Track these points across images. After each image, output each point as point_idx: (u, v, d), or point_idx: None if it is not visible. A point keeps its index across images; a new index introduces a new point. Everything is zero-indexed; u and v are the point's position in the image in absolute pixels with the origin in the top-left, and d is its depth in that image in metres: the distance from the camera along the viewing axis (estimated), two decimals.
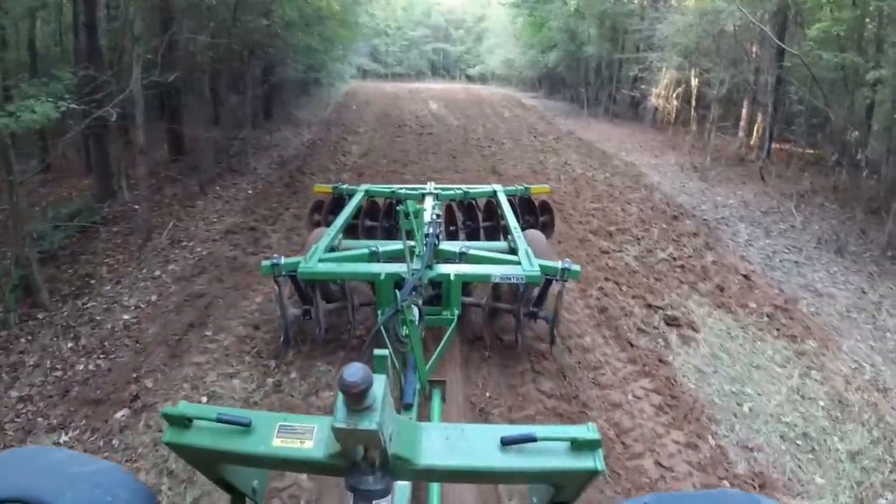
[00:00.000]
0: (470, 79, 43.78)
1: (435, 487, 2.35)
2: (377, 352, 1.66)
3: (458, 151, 12.53)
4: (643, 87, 14.95)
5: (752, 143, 12.51)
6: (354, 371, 1.09)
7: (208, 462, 1.38)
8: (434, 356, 3.11)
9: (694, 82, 14.01)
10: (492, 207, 5.61)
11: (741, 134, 13.58)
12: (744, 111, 13.46)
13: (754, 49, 12.50)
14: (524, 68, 29.49)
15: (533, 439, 1.25)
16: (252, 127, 15.19)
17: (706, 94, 14.02)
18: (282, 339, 4.06)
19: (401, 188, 5.84)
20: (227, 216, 7.78)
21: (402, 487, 1.93)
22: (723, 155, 12.49)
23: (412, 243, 3.29)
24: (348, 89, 29.65)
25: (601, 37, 17.81)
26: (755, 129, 12.46)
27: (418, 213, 3.26)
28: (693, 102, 14.27)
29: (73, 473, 1.08)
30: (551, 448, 1.26)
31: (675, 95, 14.33)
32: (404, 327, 2.43)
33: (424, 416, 2.83)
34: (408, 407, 2.57)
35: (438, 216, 4.33)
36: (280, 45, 14.04)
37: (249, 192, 8.97)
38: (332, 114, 19.21)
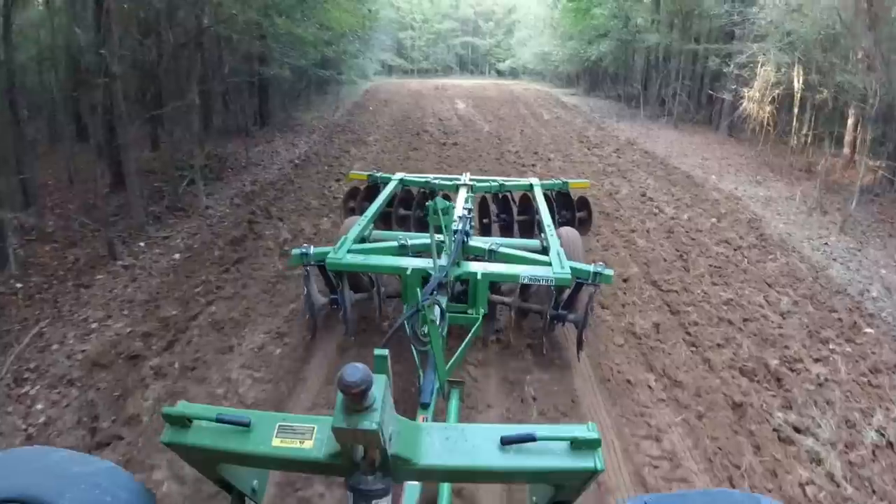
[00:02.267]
0: (500, 74, 39.99)
1: (445, 488, 2.14)
2: (377, 351, 1.43)
3: (491, 172, 9.00)
4: (733, 86, 11.12)
5: (855, 159, 8.91)
6: (354, 371, 1.06)
7: (208, 462, 1.35)
8: (455, 356, 2.93)
9: (797, 83, 10.22)
10: (527, 201, 5.23)
11: (846, 150, 9.89)
12: (850, 122, 9.79)
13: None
14: (561, 62, 25.70)
15: (533, 439, 1.22)
16: (247, 135, 12.08)
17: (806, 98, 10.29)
18: (308, 326, 3.83)
19: (435, 178, 5.55)
20: (116, 317, 4.46)
21: (412, 488, 1.86)
22: (838, 181, 8.79)
23: (440, 238, 3.17)
24: (369, 87, 26.33)
25: (665, 23, 13.98)
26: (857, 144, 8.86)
27: (448, 210, 2.99)
28: (795, 109, 10.49)
29: (73, 473, 1.08)
30: (551, 448, 1.23)
31: (769, 99, 10.53)
32: (425, 326, 2.37)
33: (441, 416, 2.69)
34: (425, 406, 2.44)
35: (469, 211, 4.06)
36: (266, 36, 10.75)
37: (177, 256, 5.63)
38: (342, 117, 15.83)
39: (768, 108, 10.69)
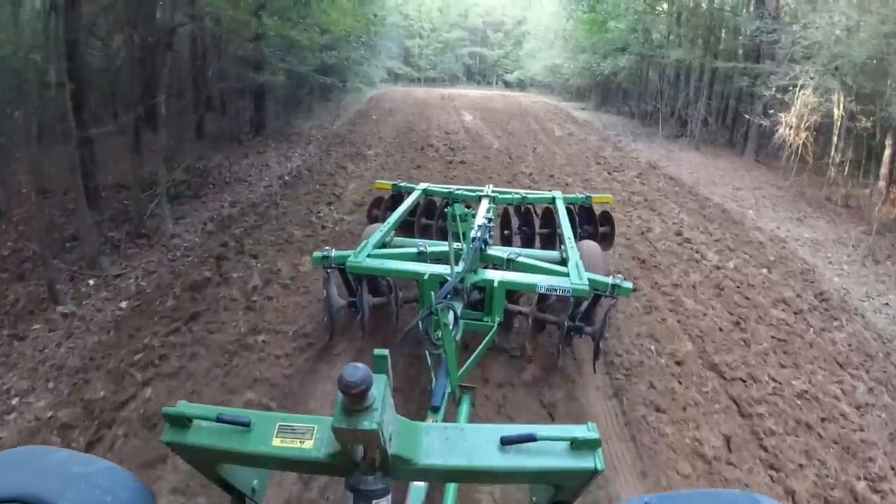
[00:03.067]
0: (507, 85, 38.99)
1: (451, 489, 2.11)
2: (377, 351, 1.31)
3: None
4: (769, 110, 10.02)
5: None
6: (354, 371, 1.05)
7: (208, 462, 1.33)
8: (469, 361, 2.94)
9: (838, 110, 9.15)
10: (550, 214, 5.07)
11: (882, 183, 8.85)
12: (887, 152, 8.77)
13: None
14: (572, 75, 24.64)
15: (533, 439, 1.21)
16: (240, 143, 11.06)
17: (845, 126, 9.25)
18: (326, 326, 3.79)
19: (458, 189, 5.54)
20: (41, 391, 3.39)
21: (418, 489, 1.84)
22: (883, 221, 7.73)
23: (459, 245, 3.16)
24: (374, 94, 25.31)
25: (687, 38, 12.92)
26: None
27: (466, 217, 3.06)
28: (836, 138, 9.42)
29: (73, 473, 1.06)
30: (551, 448, 1.22)
31: (806, 125, 9.44)
32: (438, 330, 2.38)
33: (451, 420, 2.58)
34: (435, 409, 2.43)
35: (490, 220, 4.18)
36: (260, 38, 9.71)
37: (124, 304, 4.52)
38: (343, 126, 14.78)
39: (804, 135, 9.61)
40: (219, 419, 1.25)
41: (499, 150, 12.01)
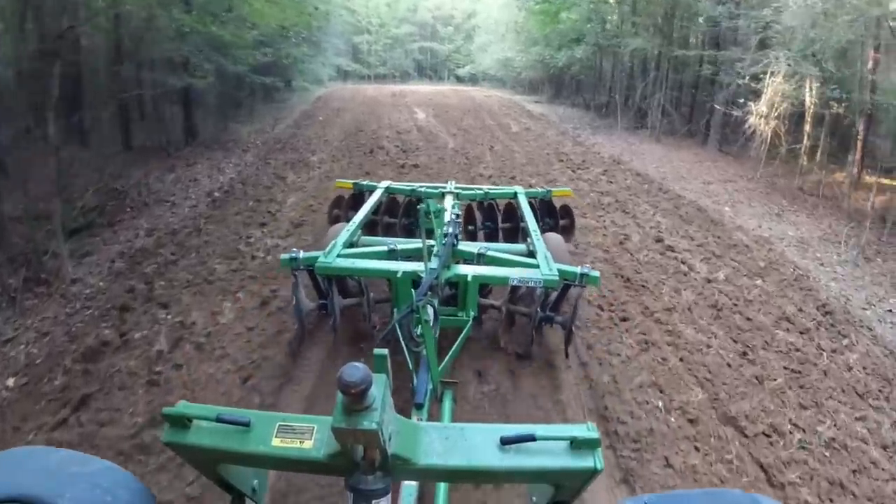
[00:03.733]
0: (459, 80, 38.12)
1: (442, 487, 2.05)
2: (377, 351, 1.37)
3: None
4: (740, 100, 9.45)
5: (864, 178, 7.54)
6: (354, 371, 1.04)
7: (208, 462, 1.32)
8: (447, 357, 2.87)
9: (811, 97, 8.67)
10: (512, 209, 5.09)
11: (854, 169, 8.50)
12: (859, 137, 8.42)
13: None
14: (524, 68, 24.01)
15: (532, 439, 1.20)
16: (168, 155, 9.83)
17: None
18: (295, 329, 3.63)
19: (421, 186, 5.36)
20: None
21: (409, 487, 1.79)
22: (859, 209, 7.29)
23: (431, 242, 3.14)
24: (322, 94, 24.05)
25: (643, 26, 12.32)
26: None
27: (439, 213, 3.07)
28: (808, 125, 8.95)
29: (73, 473, 1.06)
30: (551, 447, 1.21)
31: (776, 114, 8.93)
32: (418, 327, 2.36)
33: (435, 417, 2.57)
34: (419, 407, 2.37)
35: (458, 216, 4.12)
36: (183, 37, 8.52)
37: (11, 382, 3.37)
38: (286, 129, 13.59)
39: (773, 124, 9.10)
40: (219, 419, 1.23)
41: (455, 149, 11.12)
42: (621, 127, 13.86)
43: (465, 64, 38.15)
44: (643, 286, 4.80)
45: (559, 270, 3.29)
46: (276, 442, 1.22)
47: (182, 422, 1.25)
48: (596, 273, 3.31)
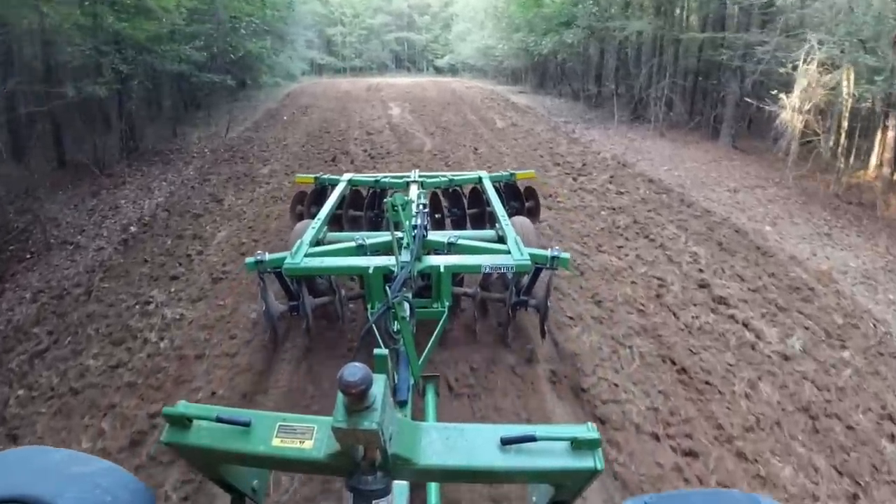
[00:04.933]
0: (438, 71, 36.22)
1: (433, 487, 2.03)
2: (377, 351, 1.43)
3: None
4: (774, 91, 7.80)
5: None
6: (354, 371, 1.03)
7: (208, 462, 1.30)
8: (426, 351, 2.76)
9: (848, 86, 7.12)
10: (477, 194, 4.96)
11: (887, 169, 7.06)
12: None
13: None
14: (506, 57, 22.25)
15: (532, 439, 1.18)
16: (101, 170, 8.11)
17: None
18: (267, 336, 3.47)
19: (384, 176, 5.19)
20: None
21: (401, 487, 1.65)
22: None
23: (400, 235, 2.99)
24: (293, 90, 22.12)
25: (645, 6, 10.66)
26: None
27: (406, 205, 2.81)
28: (844, 122, 7.43)
29: (73, 473, 1.04)
30: (551, 448, 1.18)
31: (807, 107, 7.35)
32: (395, 323, 2.32)
33: (418, 412, 2.52)
34: (402, 404, 2.24)
35: (425, 206, 3.90)
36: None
37: None
38: (243, 133, 11.76)
39: (803, 118, 7.53)
40: (219, 419, 1.21)
41: (432, 152, 9.42)
42: (617, 119, 12.24)
43: (443, 54, 36.22)
44: (707, 383, 3.16)
45: (530, 254, 3.17)
46: (276, 442, 1.19)
47: (182, 422, 1.21)
48: (566, 255, 3.18)
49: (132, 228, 6.04)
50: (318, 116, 14.38)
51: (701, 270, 4.69)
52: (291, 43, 21.94)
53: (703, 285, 4.41)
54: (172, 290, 4.41)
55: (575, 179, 7.49)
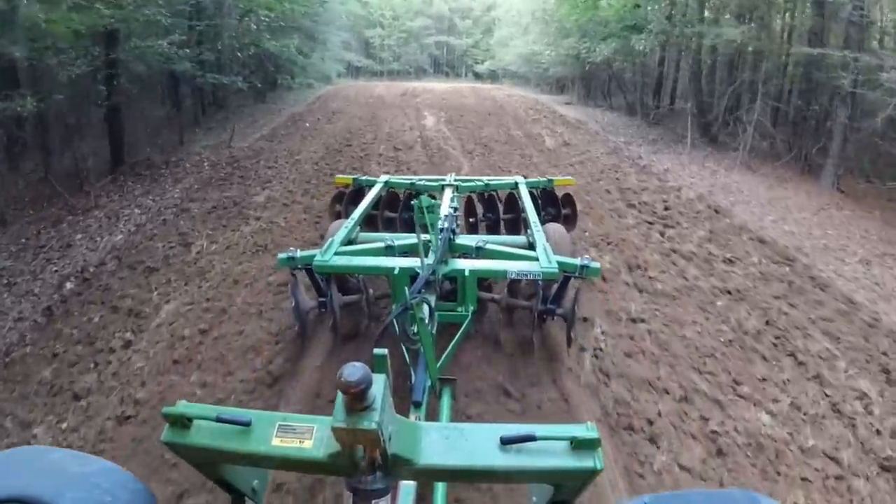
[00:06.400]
0: (478, 77, 34.32)
1: (440, 487, 2.00)
2: (377, 351, 1.36)
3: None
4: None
5: None
6: (354, 371, 1.00)
7: (208, 462, 1.28)
8: (446, 353, 2.73)
9: None
10: (513, 199, 4.73)
11: None
12: None
13: None
14: (552, 64, 20.20)
15: (532, 438, 1.16)
16: (80, 188, 6.73)
17: None
18: (297, 330, 3.39)
19: (421, 179, 5.15)
20: None
21: (408, 487, 1.69)
22: None
23: (427, 237, 3.00)
24: (325, 92, 20.61)
25: (737, 15, 8.56)
26: None
27: (433, 208, 2.96)
28: None
29: (73, 473, 1.02)
30: (551, 447, 1.16)
31: None
32: (414, 325, 2.25)
33: (433, 414, 2.43)
34: (417, 405, 2.26)
35: (455, 209, 3.93)
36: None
37: None
38: (255, 143, 10.13)
39: None
40: (219, 419, 1.20)
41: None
42: (690, 143, 10.14)
43: (484, 60, 34.24)
44: None
45: (559, 262, 3.03)
46: (276, 442, 1.18)
47: (182, 422, 1.20)
48: (597, 264, 3.04)
49: (68, 285, 4.40)
50: (344, 125, 12.68)
51: (878, 432, 2.72)
52: (324, 43, 20.38)
53: (886, 467, 2.45)
54: (65, 425, 2.70)
55: (662, 234, 5.51)
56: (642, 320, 3.68)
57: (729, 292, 4.31)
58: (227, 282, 4.28)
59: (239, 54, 9.22)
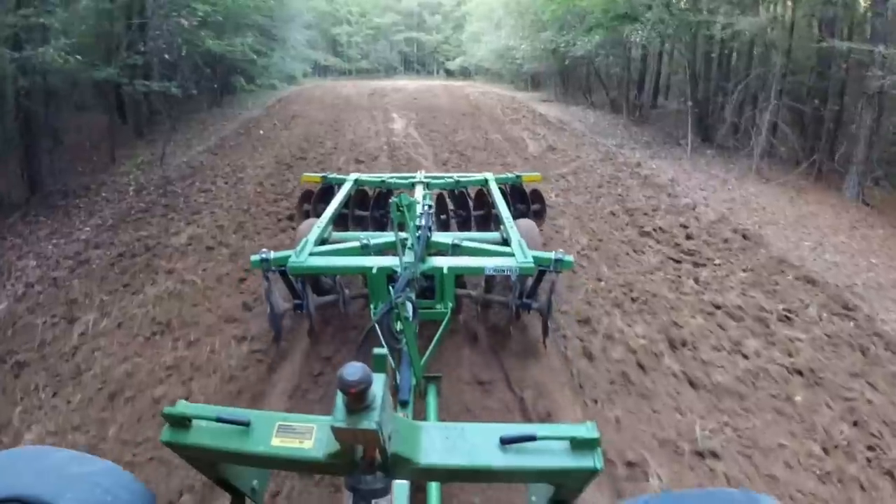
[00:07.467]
0: (450, 74, 32.97)
1: (434, 486, 1.94)
2: (376, 351, 1.31)
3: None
4: None
5: None
6: (354, 370, 0.99)
7: (208, 462, 1.27)
8: (428, 351, 2.69)
9: None
10: (483, 196, 4.75)
11: None
12: None
13: None
14: (528, 59, 19.00)
15: (532, 438, 1.14)
16: None
17: None
18: (273, 334, 3.34)
19: (391, 177, 5.03)
20: None
21: (401, 486, 1.62)
22: None
23: (404, 236, 2.93)
24: (287, 94, 19.12)
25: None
26: None
27: (411, 206, 2.83)
28: None
29: (73, 473, 1.01)
30: (551, 447, 1.14)
31: None
32: (398, 323, 2.23)
33: (420, 412, 2.37)
34: (404, 404, 2.18)
35: (430, 207, 3.59)
36: None
37: None
38: (193, 159, 8.65)
39: None
40: (219, 419, 1.18)
41: None
42: (690, 145, 9.01)
43: (455, 56, 32.87)
44: None
45: (534, 257, 3.03)
46: (275, 442, 1.17)
47: (182, 422, 1.19)
48: (570, 258, 3.04)
49: None
50: (302, 132, 11.26)
51: None
52: (285, 42, 18.80)
53: None
54: None
55: (696, 280, 4.25)
56: (713, 454, 2.43)
57: (800, 373, 3.12)
58: (102, 394, 2.91)
59: (167, 56, 7.71)
